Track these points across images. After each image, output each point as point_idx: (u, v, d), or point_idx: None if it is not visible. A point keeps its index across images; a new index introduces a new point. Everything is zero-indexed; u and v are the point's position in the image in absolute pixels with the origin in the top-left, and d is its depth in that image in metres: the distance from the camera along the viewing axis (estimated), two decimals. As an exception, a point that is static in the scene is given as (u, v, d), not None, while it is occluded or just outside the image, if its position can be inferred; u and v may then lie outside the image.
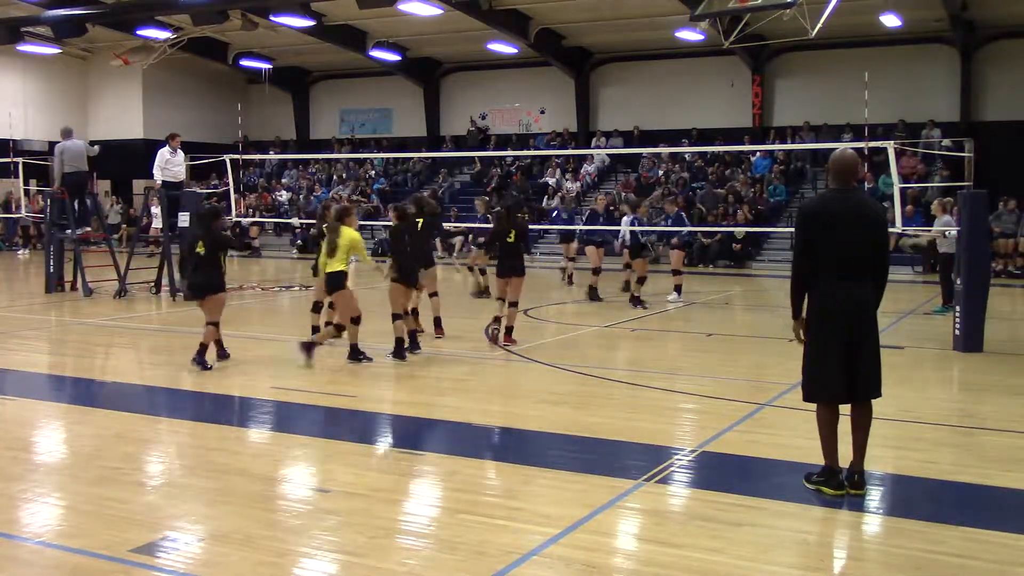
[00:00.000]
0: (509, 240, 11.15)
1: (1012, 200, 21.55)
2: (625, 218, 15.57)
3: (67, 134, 17.10)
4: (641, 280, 15.20)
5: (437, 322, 12.00)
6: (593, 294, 15.85)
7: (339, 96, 35.20)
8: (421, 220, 11.55)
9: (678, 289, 16.22)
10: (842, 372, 5.70)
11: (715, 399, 8.57)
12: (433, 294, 12.03)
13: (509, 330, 11.32)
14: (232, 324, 13.02)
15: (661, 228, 16.46)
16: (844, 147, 6.17)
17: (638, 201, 17.37)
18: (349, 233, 9.99)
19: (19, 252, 28.56)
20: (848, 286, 5.71)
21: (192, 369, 9.67)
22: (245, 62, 32.34)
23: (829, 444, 5.81)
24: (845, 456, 5.84)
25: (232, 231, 15.24)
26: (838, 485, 5.75)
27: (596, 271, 16.18)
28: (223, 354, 10.28)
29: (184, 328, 12.98)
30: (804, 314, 5.89)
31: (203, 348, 9.77)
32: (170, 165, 16.73)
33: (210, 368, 9.75)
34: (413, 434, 7.72)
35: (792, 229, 24.10)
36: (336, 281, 10.15)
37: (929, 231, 15.56)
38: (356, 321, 10.28)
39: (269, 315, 15.14)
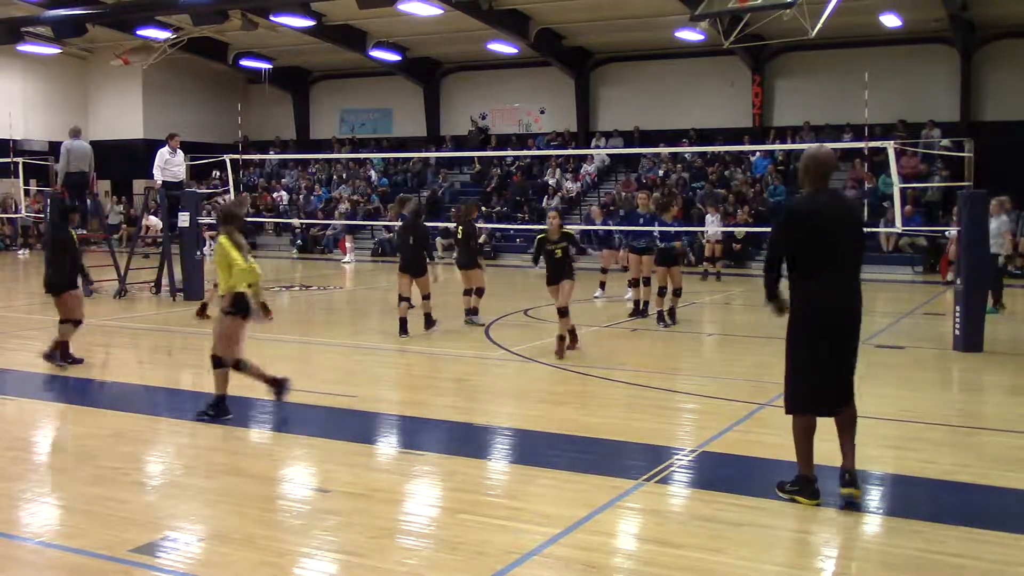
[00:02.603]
0: (557, 255, 10.96)
1: (1008, 199, 21.53)
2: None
3: (75, 134, 17.18)
4: (664, 291, 13.28)
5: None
6: (660, 316, 13.31)
7: (339, 96, 35.19)
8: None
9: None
10: (834, 383, 5.55)
11: (715, 399, 8.56)
12: None
13: (567, 336, 10.77)
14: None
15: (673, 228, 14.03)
16: (816, 145, 5.93)
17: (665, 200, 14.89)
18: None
19: (20, 253, 28.51)
20: (840, 291, 5.53)
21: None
22: (245, 62, 32.34)
23: (806, 453, 5.65)
24: (824, 456, 5.82)
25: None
26: (813, 494, 5.60)
27: (647, 281, 13.80)
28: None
29: (184, 328, 12.98)
30: (789, 308, 5.64)
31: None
32: (170, 165, 16.76)
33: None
34: (413, 434, 7.72)
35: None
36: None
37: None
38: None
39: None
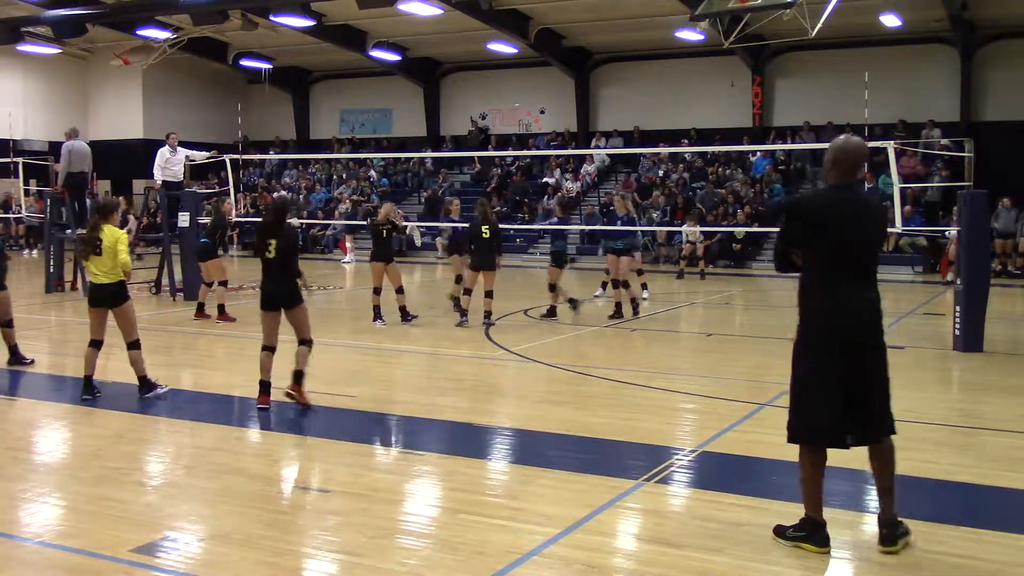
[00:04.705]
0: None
1: (1007, 199, 21.59)
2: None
3: (75, 134, 17.21)
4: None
5: None
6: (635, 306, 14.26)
7: (339, 96, 35.19)
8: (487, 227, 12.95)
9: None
10: (842, 409, 4.84)
11: (715, 399, 8.56)
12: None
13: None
14: (234, 324, 13.03)
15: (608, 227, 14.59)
16: (844, 136, 5.09)
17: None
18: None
19: (25, 253, 28.35)
20: (855, 301, 4.84)
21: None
22: (245, 62, 32.34)
23: (813, 493, 4.97)
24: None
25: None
26: (821, 541, 4.92)
27: (626, 284, 14.13)
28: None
29: (184, 328, 12.98)
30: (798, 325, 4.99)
31: None
32: (170, 164, 16.78)
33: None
34: (413, 434, 7.72)
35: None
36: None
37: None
38: (400, 290, 13.36)
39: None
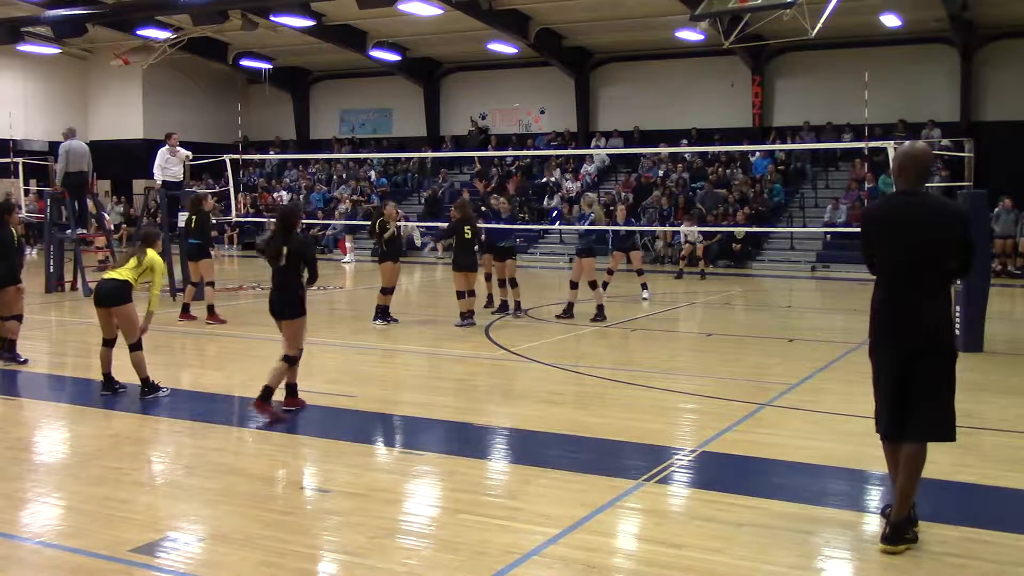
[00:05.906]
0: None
1: (1007, 199, 21.58)
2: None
3: (72, 134, 17.22)
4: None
5: None
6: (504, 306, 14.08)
7: (339, 96, 35.20)
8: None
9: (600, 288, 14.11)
10: (891, 404, 5.00)
11: (715, 399, 8.56)
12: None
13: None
14: (234, 324, 13.04)
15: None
16: (910, 142, 5.34)
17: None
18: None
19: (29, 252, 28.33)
20: (902, 304, 4.95)
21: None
22: (245, 62, 32.36)
23: (891, 478, 5.23)
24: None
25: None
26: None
27: (590, 284, 13.62)
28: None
29: (183, 328, 12.97)
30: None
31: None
32: (170, 164, 16.77)
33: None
34: (413, 434, 7.72)
35: (792, 229, 24.22)
36: None
37: None
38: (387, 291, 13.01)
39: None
